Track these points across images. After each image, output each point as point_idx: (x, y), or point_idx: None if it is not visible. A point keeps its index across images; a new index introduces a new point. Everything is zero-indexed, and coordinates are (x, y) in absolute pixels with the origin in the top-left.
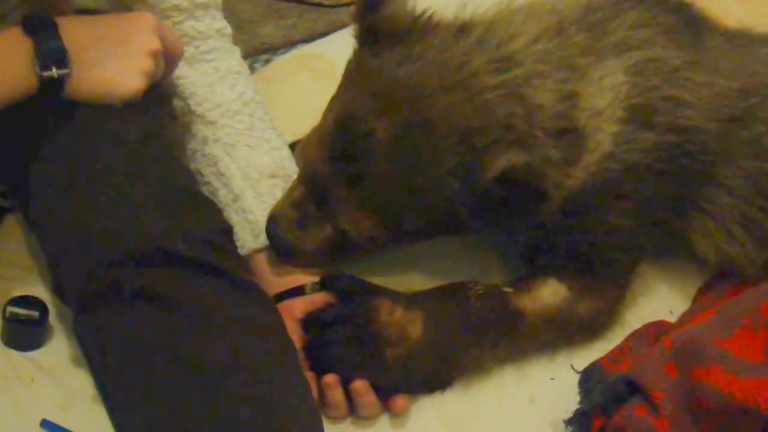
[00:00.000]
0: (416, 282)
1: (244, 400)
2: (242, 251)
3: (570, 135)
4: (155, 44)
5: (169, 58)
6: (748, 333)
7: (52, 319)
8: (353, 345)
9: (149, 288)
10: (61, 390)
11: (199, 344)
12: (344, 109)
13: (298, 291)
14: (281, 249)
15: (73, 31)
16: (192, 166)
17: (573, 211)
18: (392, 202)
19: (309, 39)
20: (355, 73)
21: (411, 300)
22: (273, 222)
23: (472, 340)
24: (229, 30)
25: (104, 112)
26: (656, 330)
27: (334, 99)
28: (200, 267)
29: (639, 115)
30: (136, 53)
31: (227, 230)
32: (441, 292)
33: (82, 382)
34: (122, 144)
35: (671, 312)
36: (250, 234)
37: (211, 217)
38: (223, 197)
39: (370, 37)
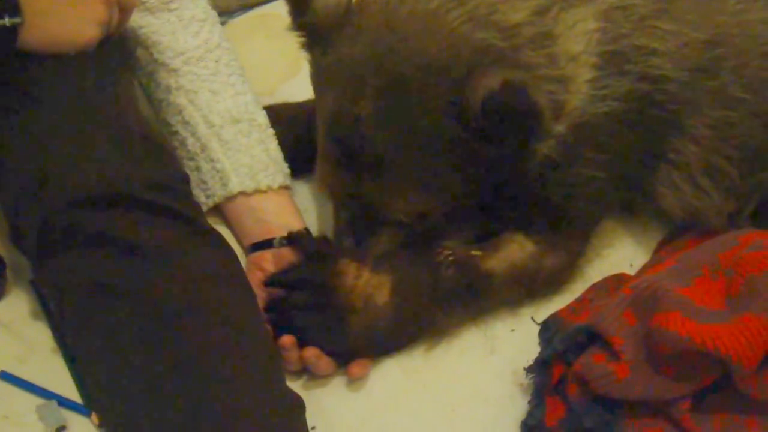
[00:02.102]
0: None
1: (204, 342)
2: (214, 200)
3: (557, 68)
4: None
5: (122, 7)
6: (707, 282)
7: (9, 273)
8: (316, 313)
9: (107, 231)
10: (19, 342)
11: (157, 288)
12: (326, 115)
13: (267, 244)
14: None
15: None
16: (160, 117)
17: (552, 162)
18: (413, 166)
19: (265, 2)
20: (317, 78)
21: (378, 262)
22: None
23: (440, 309)
24: None
25: (59, 61)
26: (616, 282)
27: (317, 114)
28: (158, 210)
29: (612, 61)
30: (90, 2)
31: (184, 178)
32: (410, 256)
33: (40, 335)
34: (78, 92)
35: (631, 265)
36: (219, 182)
37: (168, 163)
38: (191, 146)
39: (315, 39)
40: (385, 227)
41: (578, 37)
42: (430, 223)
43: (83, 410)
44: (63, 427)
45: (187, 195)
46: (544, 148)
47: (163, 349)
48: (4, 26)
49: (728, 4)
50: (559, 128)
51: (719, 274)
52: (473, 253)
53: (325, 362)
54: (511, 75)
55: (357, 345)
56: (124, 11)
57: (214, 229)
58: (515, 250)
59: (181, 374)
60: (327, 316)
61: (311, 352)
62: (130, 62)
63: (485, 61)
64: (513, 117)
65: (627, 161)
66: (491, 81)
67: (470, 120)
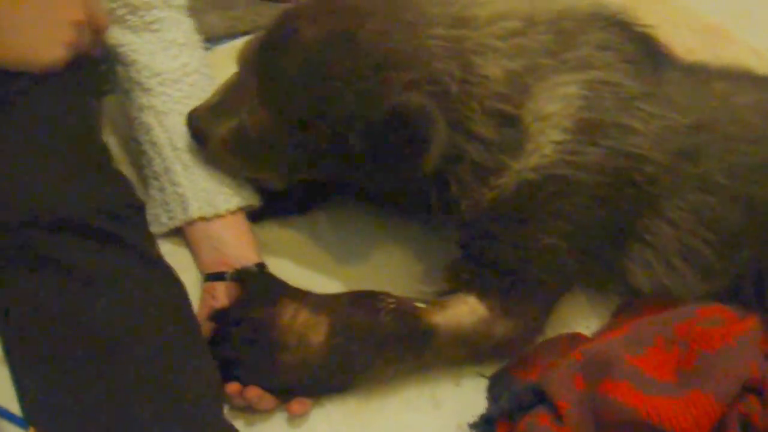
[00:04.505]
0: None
1: (142, 372)
2: (174, 222)
3: (509, 127)
4: (79, 15)
5: (94, 28)
6: (659, 352)
7: None
8: (248, 348)
9: (54, 255)
10: None
11: (101, 315)
12: (272, 22)
13: (219, 276)
14: (193, 132)
15: None
16: (133, 135)
17: (503, 218)
18: (291, 102)
19: (253, 31)
20: None
21: (318, 303)
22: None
23: (376, 354)
24: (179, 1)
25: (20, 78)
26: (569, 342)
27: None
28: (107, 238)
29: (586, 131)
30: (59, 23)
31: (138, 206)
32: (350, 300)
33: None
34: (36, 116)
35: (587, 327)
36: (180, 206)
37: (122, 192)
38: (157, 167)
39: None
40: (237, 115)
41: (556, 98)
42: (266, 148)
43: (21, 423)
44: None
45: (139, 225)
46: (482, 196)
47: (102, 375)
48: None
49: (717, 87)
50: (502, 182)
51: (673, 345)
52: (417, 305)
53: (266, 400)
54: (434, 107)
55: (288, 383)
56: (96, 34)
57: (163, 260)
58: (464, 312)
59: (117, 401)
60: (258, 353)
61: (253, 393)
62: (102, 86)
63: (425, 88)
64: (405, 135)
65: (594, 237)
66: (415, 97)
67: (371, 118)
